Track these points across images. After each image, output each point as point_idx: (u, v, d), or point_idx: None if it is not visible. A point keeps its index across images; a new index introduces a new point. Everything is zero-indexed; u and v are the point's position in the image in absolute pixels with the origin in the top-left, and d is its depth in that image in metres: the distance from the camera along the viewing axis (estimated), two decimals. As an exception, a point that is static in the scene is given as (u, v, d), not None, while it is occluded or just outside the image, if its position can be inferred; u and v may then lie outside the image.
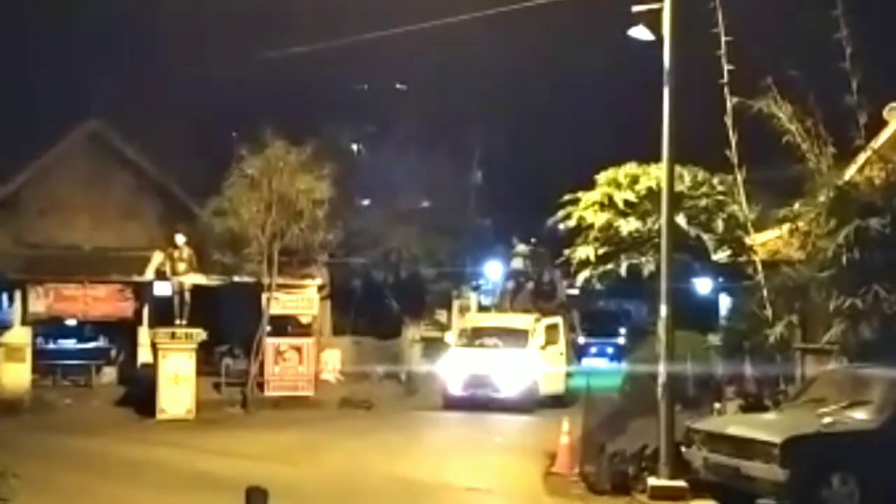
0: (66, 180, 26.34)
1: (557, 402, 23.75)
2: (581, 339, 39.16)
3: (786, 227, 16.30)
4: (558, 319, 26.71)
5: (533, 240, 29.69)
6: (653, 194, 16.79)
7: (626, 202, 17.37)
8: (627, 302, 40.80)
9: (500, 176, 35.09)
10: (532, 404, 23.59)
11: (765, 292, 16.19)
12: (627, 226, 17.24)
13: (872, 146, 15.52)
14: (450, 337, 27.65)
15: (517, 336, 25.29)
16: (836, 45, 15.30)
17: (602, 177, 17.77)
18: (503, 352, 24.91)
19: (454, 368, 24.68)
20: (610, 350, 39.69)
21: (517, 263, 29.48)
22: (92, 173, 26.58)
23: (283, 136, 23.43)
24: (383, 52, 23.75)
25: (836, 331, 14.46)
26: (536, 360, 24.88)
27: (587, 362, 35.52)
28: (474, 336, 25.85)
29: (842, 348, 14.66)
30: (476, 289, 35.52)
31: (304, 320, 25.83)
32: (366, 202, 31.80)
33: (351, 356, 28.73)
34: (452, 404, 23.86)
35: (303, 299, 25.64)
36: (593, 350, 39.69)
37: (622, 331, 40.11)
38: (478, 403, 23.50)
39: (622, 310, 42.38)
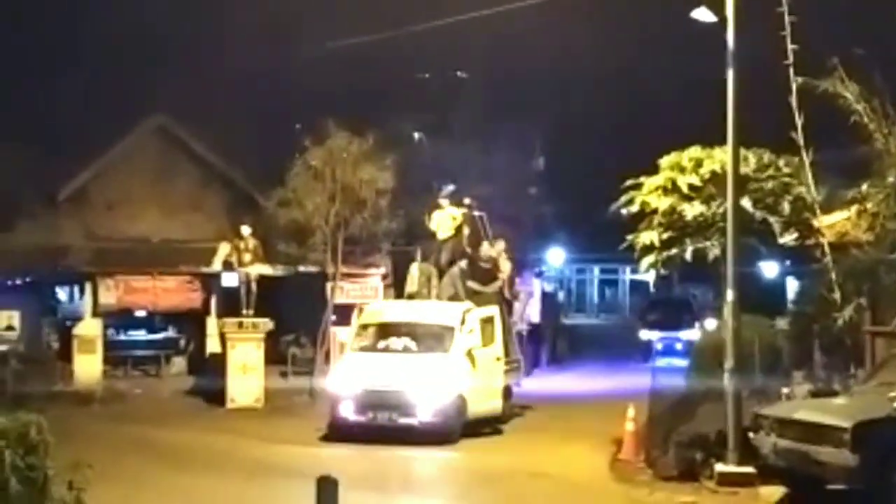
0: (133, 174, 26.80)
1: (493, 425, 18.77)
2: (644, 335, 36.42)
3: (854, 208, 16.05)
4: (494, 310, 19.87)
5: (468, 200, 22.71)
6: (717, 178, 16.58)
7: (691, 186, 17.11)
8: (694, 286, 39.83)
9: (561, 162, 35.01)
10: (455, 432, 17.46)
11: (833, 275, 15.96)
12: (692, 210, 16.99)
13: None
14: (344, 335, 20.58)
15: (437, 335, 18.71)
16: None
17: (665, 161, 17.56)
18: (417, 358, 18.29)
19: (346, 382, 17.90)
20: (679, 346, 33.60)
21: (442, 226, 21.51)
22: (158, 166, 27.01)
23: (345, 127, 23.58)
24: (443, 40, 23.79)
25: (906, 313, 14.24)
26: (463, 369, 18.20)
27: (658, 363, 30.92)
28: (378, 336, 19.09)
29: (913, 331, 14.43)
30: (539, 275, 35.46)
31: (369, 309, 25.98)
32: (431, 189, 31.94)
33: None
34: (343, 433, 17.49)
35: (367, 288, 25.82)
36: (659, 347, 35.06)
37: (696, 322, 34.42)
38: (378, 432, 17.16)
39: (691, 295, 39.24)
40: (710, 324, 20.92)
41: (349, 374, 18.12)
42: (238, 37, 28.70)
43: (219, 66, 28.64)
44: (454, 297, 20.16)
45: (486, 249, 21.39)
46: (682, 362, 25.91)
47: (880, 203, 15.01)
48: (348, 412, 17.56)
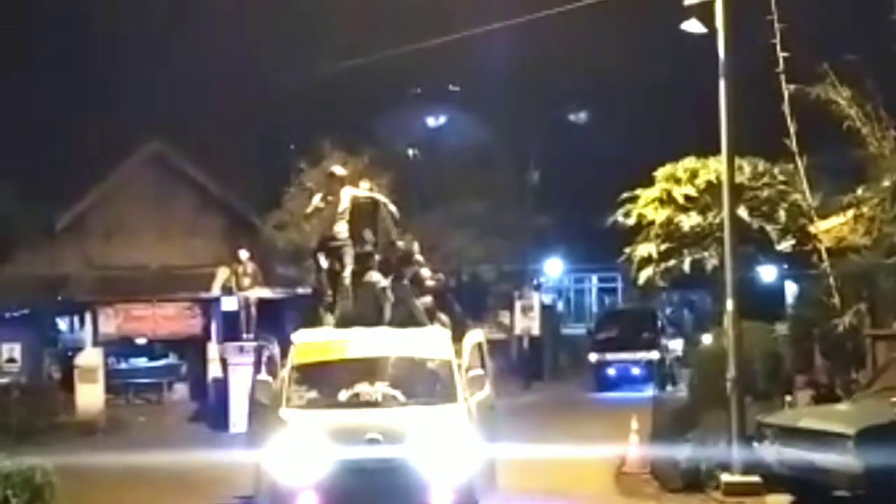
0: (130, 201, 26.87)
1: None
2: (593, 357, 29.30)
3: (850, 213, 16.09)
4: (479, 335, 13.90)
5: (365, 183, 14.67)
6: (713, 188, 16.68)
7: (687, 197, 17.24)
8: (693, 293, 38.41)
9: (557, 174, 35.06)
10: None
11: (832, 280, 16.00)
12: (689, 221, 17.11)
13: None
14: (259, 383, 12.55)
15: (431, 375, 12.27)
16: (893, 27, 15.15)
17: (660, 172, 17.67)
18: (412, 412, 11.62)
19: (300, 463, 10.97)
20: (637, 371, 28.01)
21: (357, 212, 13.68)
22: (155, 193, 27.08)
23: (340, 147, 23.63)
24: (435, 54, 23.90)
25: (906, 316, 14.27)
26: (473, 430, 11.57)
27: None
28: (334, 382, 11.99)
29: (913, 334, 14.46)
30: (538, 287, 35.44)
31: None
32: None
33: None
34: None
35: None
36: (611, 373, 28.65)
37: (660, 340, 28.53)
38: None
39: (665, 305, 32.34)
40: (706, 337, 20.34)
41: (302, 448, 10.98)
42: (231, 60, 28.79)
43: (212, 90, 28.74)
44: (413, 318, 13.19)
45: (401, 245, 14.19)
46: (640, 394, 22.92)
47: (876, 207, 15.06)
48: None
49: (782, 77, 15.77)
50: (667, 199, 17.54)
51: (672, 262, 17.36)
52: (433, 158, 32.49)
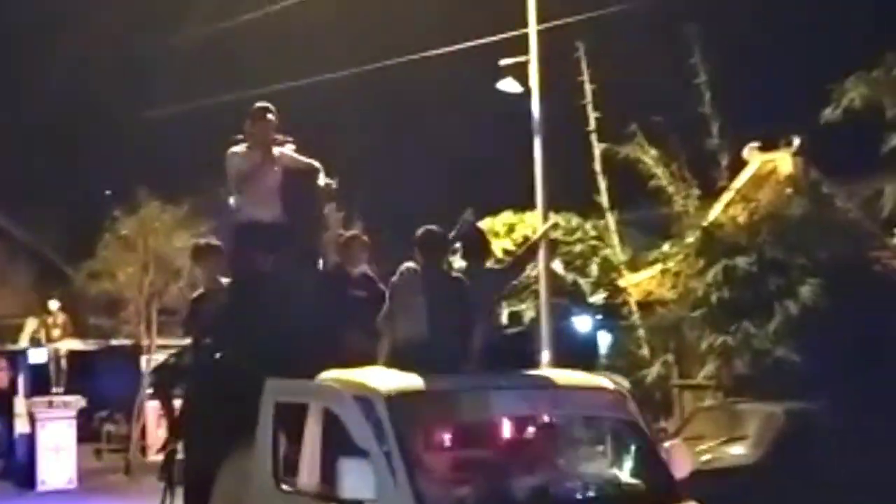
0: (-69, 251, 25.56)
1: None
2: None
3: (658, 267, 16.77)
4: None
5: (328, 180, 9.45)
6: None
7: (505, 251, 17.69)
8: None
9: (378, 221, 35.09)
10: None
11: (641, 332, 16.60)
12: (506, 273, 17.59)
13: (735, 186, 16.12)
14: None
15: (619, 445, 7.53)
16: (696, 91, 15.98)
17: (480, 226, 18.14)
18: None
19: None
20: None
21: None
22: (-42, 243, 25.85)
23: (158, 195, 23.14)
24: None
25: (710, 367, 14.89)
26: None
27: None
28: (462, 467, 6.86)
29: (717, 384, 15.09)
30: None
31: (188, 380, 25.38)
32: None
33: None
34: None
35: (185, 359, 25.23)
36: None
37: None
38: None
39: None
40: None
41: None
42: (40, 102, 27.91)
43: (21, 131, 27.76)
44: None
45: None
46: None
47: (681, 262, 15.71)
48: None
49: (593, 136, 16.39)
50: (486, 253, 17.96)
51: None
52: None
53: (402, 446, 6.24)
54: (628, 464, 7.24)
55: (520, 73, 14.77)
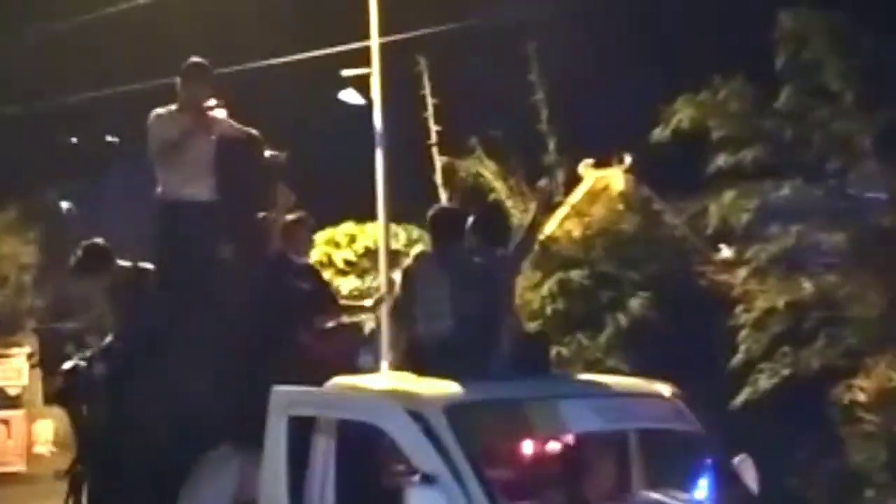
0: None
1: None
2: None
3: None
4: None
5: (275, 152, 7.57)
6: (371, 253, 17.22)
7: (346, 261, 17.72)
8: None
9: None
10: None
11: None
12: (348, 284, 17.57)
13: (570, 201, 16.54)
14: None
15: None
16: (535, 108, 16.35)
17: (321, 236, 18.05)
18: None
19: None
20: None
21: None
22: None
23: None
24: (97, 108, 23.19)
25: (544, 378, 15.16)
26: None
27: None
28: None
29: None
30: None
31: (13, 392, 24.43)
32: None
33: (66, 426, 27.39)
34: None
35: (10, 369, 24.27)
36: None
37: None
38: None
39: None
40: None
41: None
42: None
43: None
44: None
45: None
46: None
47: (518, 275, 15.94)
48: None
49: (434, 149, 16.58)
50: (327, 263, 17.89)
51: (330, 325, 17.68)
52: (90, 211, 31.20)
53: (475, 468, 5.16)
54: (705, 481, 6.46)
55: (364, 84, 14.85)
